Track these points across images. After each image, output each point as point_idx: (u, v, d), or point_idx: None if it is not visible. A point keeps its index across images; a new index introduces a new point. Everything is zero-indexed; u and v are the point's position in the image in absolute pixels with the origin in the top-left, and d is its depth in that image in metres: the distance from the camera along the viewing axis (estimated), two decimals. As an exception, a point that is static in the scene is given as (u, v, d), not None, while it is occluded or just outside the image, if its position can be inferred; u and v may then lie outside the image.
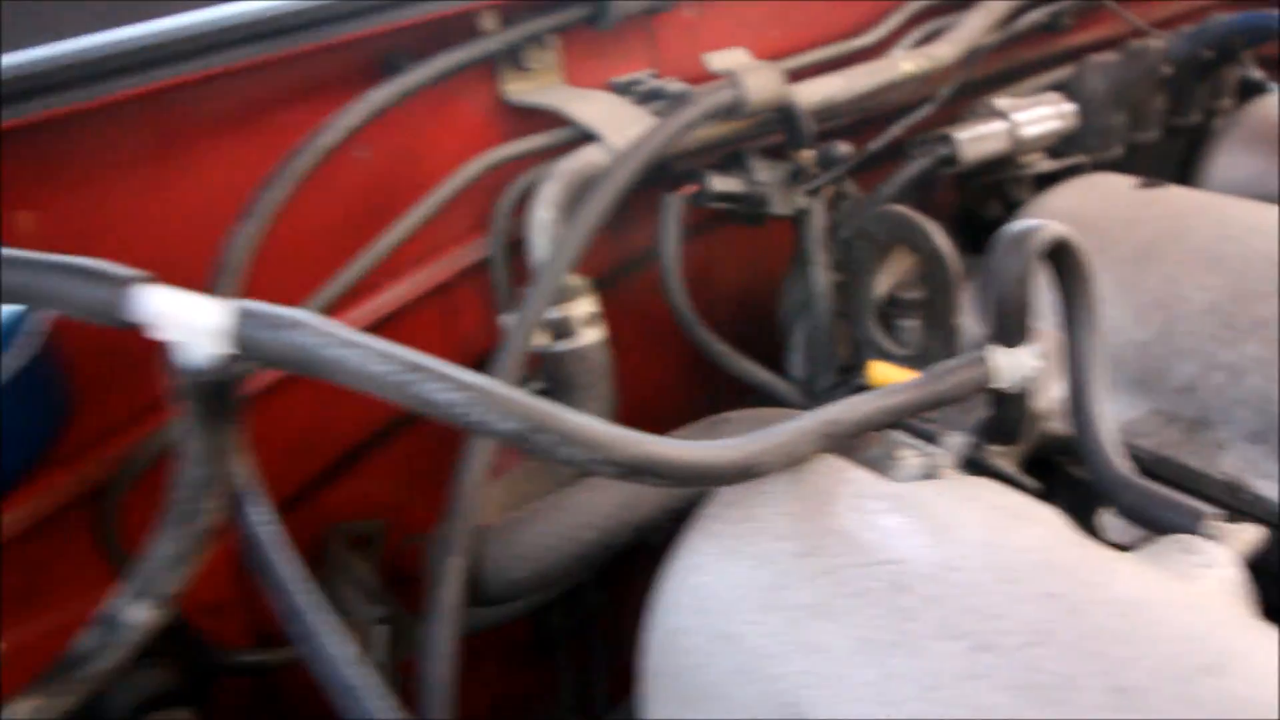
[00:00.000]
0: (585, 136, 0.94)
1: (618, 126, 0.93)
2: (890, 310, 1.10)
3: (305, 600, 0.52)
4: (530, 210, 0.90)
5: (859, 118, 1.19)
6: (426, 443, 1.11)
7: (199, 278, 0.74)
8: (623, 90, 0.99)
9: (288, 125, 0.84)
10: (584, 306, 0.90)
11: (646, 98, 0.99)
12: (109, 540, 0.79)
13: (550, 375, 0.93)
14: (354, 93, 0.86)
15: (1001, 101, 1.10)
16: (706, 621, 0.58)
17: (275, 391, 0.91)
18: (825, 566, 0.55)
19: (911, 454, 0.66)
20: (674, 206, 0.98)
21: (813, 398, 1.12)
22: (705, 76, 1.06)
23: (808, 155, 1.08)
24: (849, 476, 0.60)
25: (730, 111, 0.94)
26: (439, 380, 0.44)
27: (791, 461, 0.58)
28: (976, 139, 1.06)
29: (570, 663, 1.26)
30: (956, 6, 1.26)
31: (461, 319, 1.01)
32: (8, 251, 0.45)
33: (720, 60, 0.96)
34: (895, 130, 1.17)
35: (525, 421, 0.45)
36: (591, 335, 0.91)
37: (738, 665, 0.55)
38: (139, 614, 0.57)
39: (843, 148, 1.06)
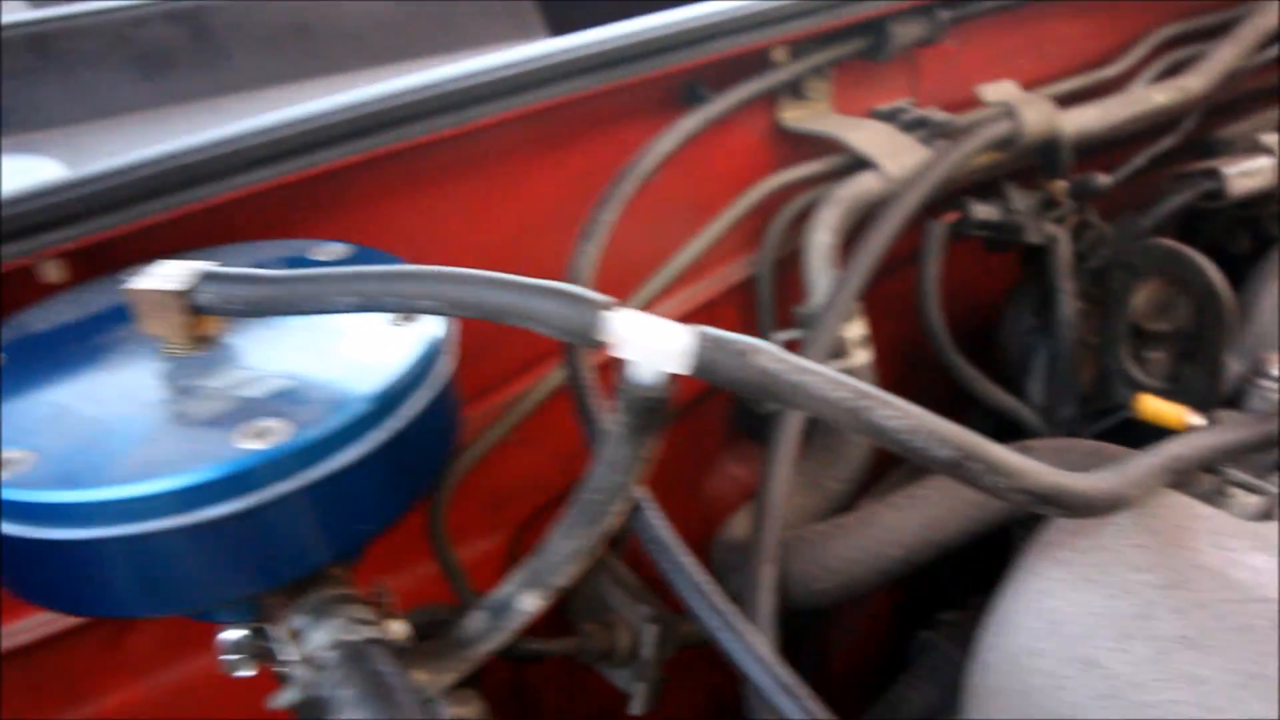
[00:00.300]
0: (858, 163, 0.98)
1: (893, 154, 0.96)
2: (1135, 341, 1.10)
3: (715, 601, 0.56)
4: (808, 234, 0.93)
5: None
6: (669, 451, 1.16)
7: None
8: (887, 118, 1.02)
9: (594, 152, 0.89)
10: (857, 328, 0.93)
11: (911, 126, 1.01)
12: (437, 532, 0.86)
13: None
14: (652, 120, 0.92)
15: (1267, 136, 1.08)
16: (1061, 645, 0.60)
17: (555, 400, 0.96)
18: (1197, 600, 0.56)
19: (1243, 492, 0.67)
20: (937, 233, 1.00)
21: (1052, 427, 1.13)
22: (961, 105, 1.08)
23: (1060, 185, 1.09)
24: (1199, 512, 0.62)
25: (1005, 143, 0.96)
26: (887, 408, 0.47)
27: (1148, 495, 0.60)
28: (1244, 174, 1.05)
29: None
30: (1201, 36, 1.25)
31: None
32: (494, 274, 0.50)
33: (993, 92, 0.98)
34: (1139, 160, 1.17)
35: (959, 450, 0.48)
36: (863, 357, 0.94)
37: (1101, 690, 0.57)
38: (529, 602, 0.62)
39: (1101, 178, 1.07)
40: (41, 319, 0.63)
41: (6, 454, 0.50)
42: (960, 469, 0.48)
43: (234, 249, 0.69)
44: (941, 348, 1.05)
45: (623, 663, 1.03)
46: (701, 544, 1.22)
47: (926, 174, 0.89)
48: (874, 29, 0.95)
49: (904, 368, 1.07)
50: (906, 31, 0.96)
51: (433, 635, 0.66)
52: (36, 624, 0.78)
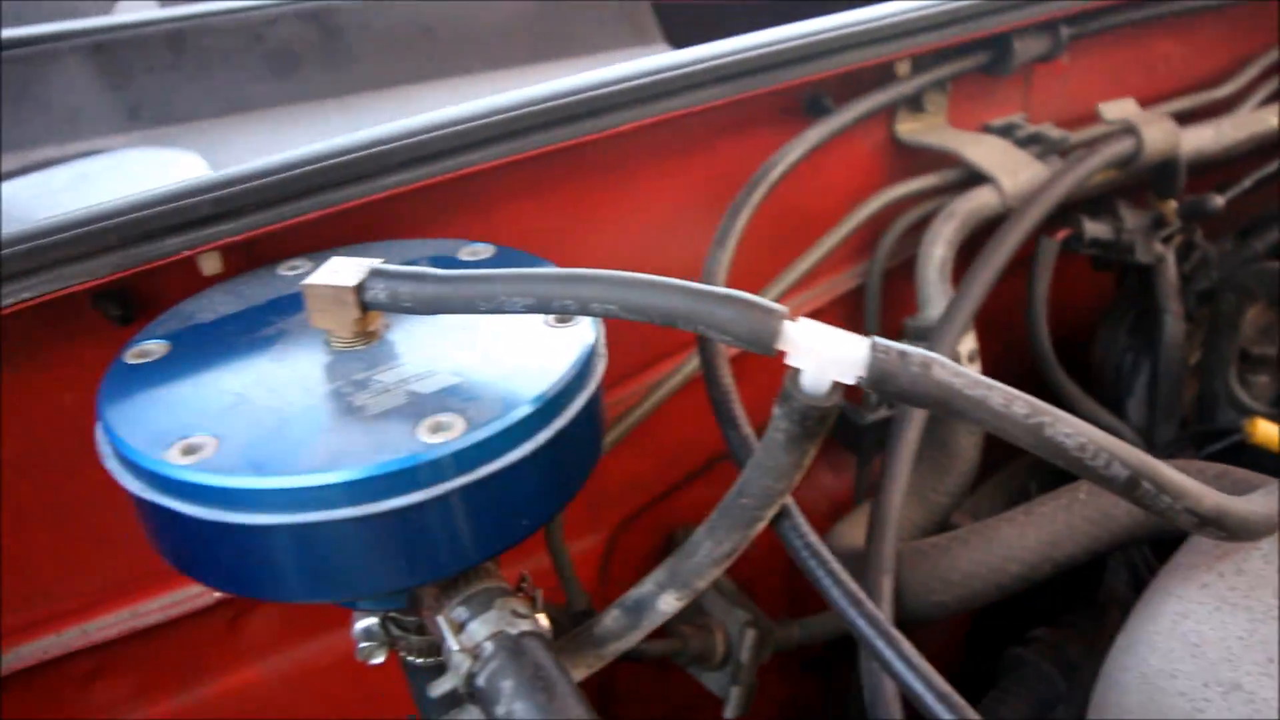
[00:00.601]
0: (974, 178, 0.98)
1: (1010, 170, 0.96)
2: (1240, 365, 1.09)
3: (868, 608, 0.57)
4: (925, 247, 0.94)
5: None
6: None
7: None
8: (1002, 133, 1.02)
9: (717, 160, 0.90)
10: (969, 343, 0.93)
11: (1026, 142, 1.01)
12: (553, 529, 0.87)
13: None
14: (773, 130, 0.93)
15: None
16: (1201, 668, 0.59)
17: (663, 407, 0.97)
18: (1353, 630, 0.56)
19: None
20: (1050, 250, 1.00)
21: (1152, 448, 1.12)
22: (1072, 121, 1.08)
23: (1170, 205, 1.08)
24: (1346, 541, 0.61)
25: (1125, 162, 0.95)
26: (1066, 425, 0.48)
27: (1297, 521, 0.60)
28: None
29: (858, 679, 1.28)
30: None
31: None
32: (674, 280, 0.51)
33: (1113, 110, 0.98)
34: (1247, 182, 1.16)
35: (1134, 470, 0.48)
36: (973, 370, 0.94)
37: (1243, 714, 0.57)
38: (669, 602, 0.63)
39: (1215, 200, 1.06)
40: (201, 309, 0.65)
41: (193, 439, 0.52)
42: (1134, 489, 0.48)
43: (383, 246, 0.71)
44: (1046, 364, 1.04)
45: (717, 666, 1.03)
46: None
47: (1048, 191, 0.89)
48: (997, 44, 0.95)
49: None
50: (1028, 47, 0.96)
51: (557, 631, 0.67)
52: (160, 606, 0.81)
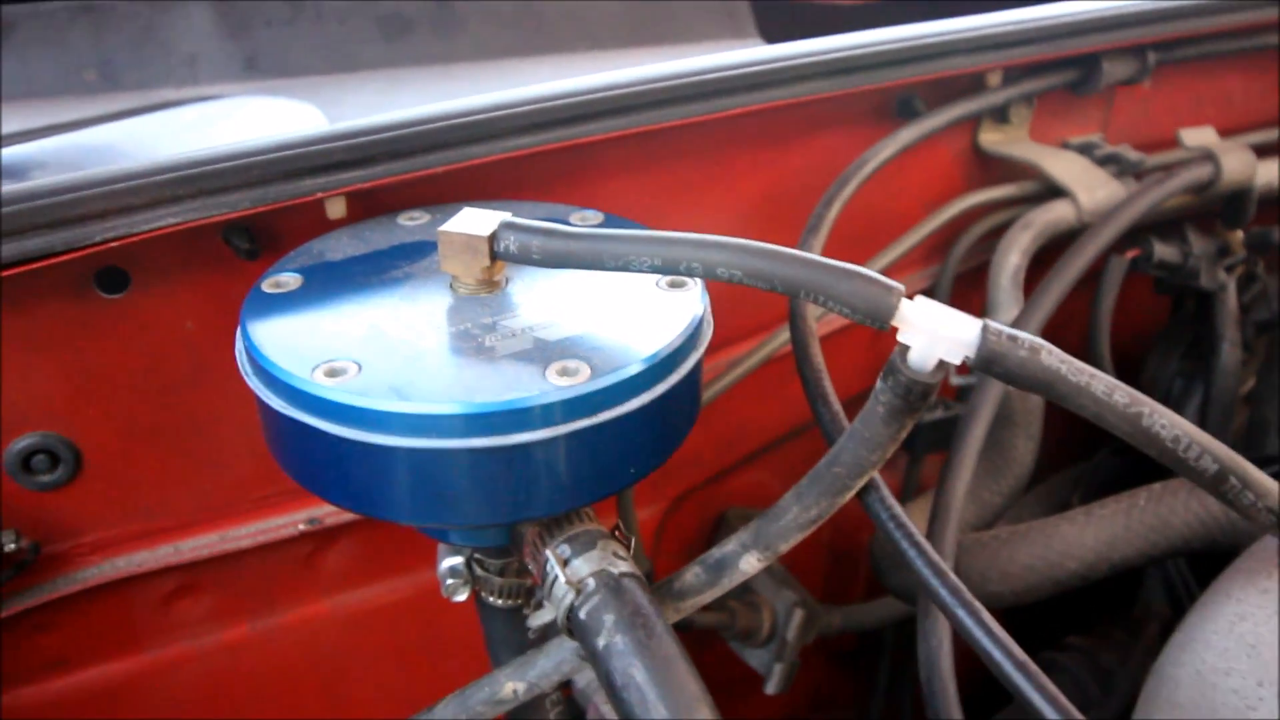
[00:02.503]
0: (1051, 191, 1.00)
1: (1088, 187, 0.98)
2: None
3: (952, 580, 0.60)
4: (1000, 255, 0.97)
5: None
6: (817, 446, 1.19)
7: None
8: (1081, 150, 1.05)
9: (809, 153, 0.94)
10: (1035, 350, 0.96)
11: (1104, 161, 1.04)
12: (625, 494, 0.90)
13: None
14: (863, 128, 0.96)
15: None
16: (1256, 668, 0.62)
17: (726, 392, 1.00)
18: None
19: None
20: (1119, 268, 1.03)
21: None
22: (1149, 145, 1.11)
23: (1237, 234, 1.11)
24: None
25: (1202, 189, 0.98)
26: (1162, 417, 0.51)
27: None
28: None
29: (888, 673, 1.32)
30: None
31: (885, 342, 1.09)
32: (798, 251, 0.54)
33: (1193, 137, 1.00)
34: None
35: (1223, 466, 0.51)
36: (1035, 378, 0.97)
37: (1299, 714, 0.59)
38: (750, 563, 0.66)
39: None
40: (329, 248, 0.69)
41: (335, 363, 0.56)
42: (1221, 483, 0.51)
43: (498, 205, 0.74)
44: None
45: (761, 643, 1.07)
46: (844, 536, 1.26)
47: (1125, 209, 0.92)
48: (1087, 64, 0.98)
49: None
50: (1116, 69, 0.98)
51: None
52: (248, 533, 0.85)
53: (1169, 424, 0.51)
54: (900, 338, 0.54)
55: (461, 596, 0.71)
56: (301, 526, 0.85)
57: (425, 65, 0.99)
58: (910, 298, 0.53)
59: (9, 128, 0.90)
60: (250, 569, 0.87)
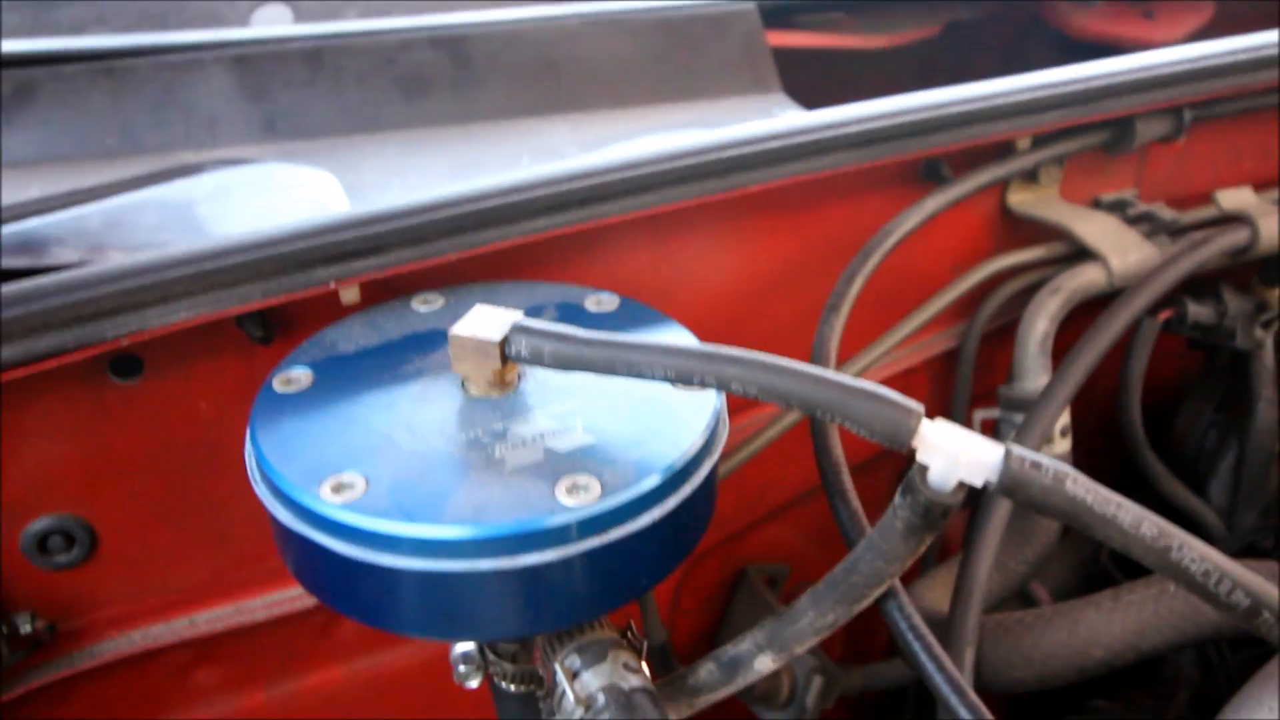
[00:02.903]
0: (1080, 253, 0.98)
1: (1120, 250, 0.96)
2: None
3: (971, 698, 0.58)
4: (1028, 319, 0.95)
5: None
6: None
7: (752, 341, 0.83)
8: (1112, 208, 1.02)
9: (831, 222, 0.92)
10: (1064, 418, 0.94)
11: (1136, 220, 1.01)
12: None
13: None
14: (887, 195, 0.94)
15: None
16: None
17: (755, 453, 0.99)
18: None
19: None
20: (1151, 331, 1.00)
21: (1231, 533, 1.11)
22: (1185, 200, 1.08)
23: (1274, 292, 1.08)
24: None
25: (1239, 252, 0.95)
26: (1192, 551, 0.49)
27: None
28: None
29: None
30: None
31: (916, 392, 1.07)
32: (817, 370, 0.53)
33: (1230, 199, 0.98)
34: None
35: (1255, 599, 0.49)
36: (1064, 445, 0.95)
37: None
38: (765, 663, 0.64)
39: (1325, 289, 1.05)
40: (341, 338, 0.68)
41: (343, 477, 0.55)
42: (1254, 616, 0.49)
43: (512, 287, 0.73)
44: (1136, 443, 1.04)
45: (780, 707, 1.05)
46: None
47: (1158, 277, 0.90)
48: (1120, 125, 0.95)
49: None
50: (1150, 129, 0.96)
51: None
52: (263, 604, 0.85)
53: (1198, 557, 0.49)
54: (920, 458, 0.52)
55: (474, 683, 0.70)
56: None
57: (444, 125, 0.98)
58: (931, 417, 0.52)
59: (30, 193, 0.91)
60: (266, 639, 0.87)
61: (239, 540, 0.82)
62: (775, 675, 1.04)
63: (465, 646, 0.70)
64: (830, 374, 0.52)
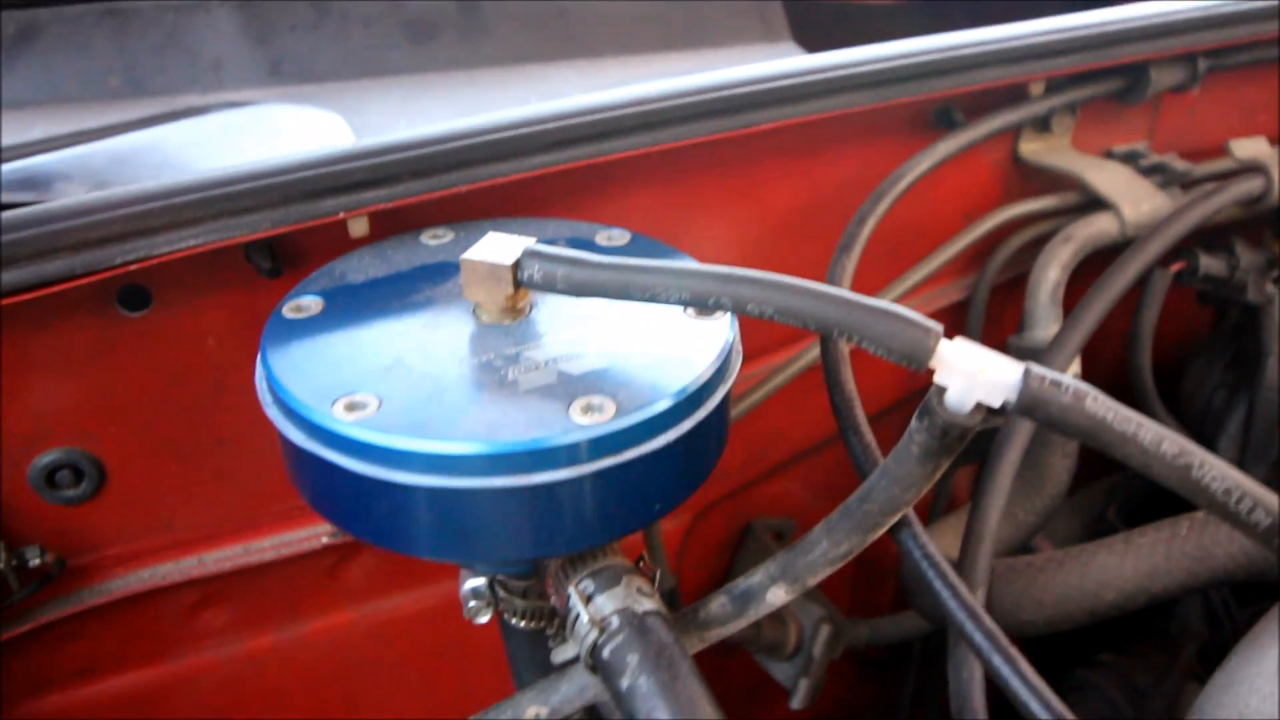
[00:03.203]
0: (1093, 203, 0.97)
1: (1133, 199, 0.95)
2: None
3: (986, 624, 0.58)
4: (1039, 268, 0.94)
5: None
6: (845, 457, 1.17)
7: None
8: (1125, 160, 1.02)
9: (839, 167, 0.92)
10: (1074, 368, 0.94)
11: (1149, 171, 1.01)
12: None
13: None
14: (897, 141, 0.93)
15: None
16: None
17: (760, 405, 0.99)
18: None
19: None
20: (1162, 282, 1.00)
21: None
22: (1197, 153, 1.07)
23: (1287, 246, 1.07)
24: None
25: (1253, 201, 0.94)
26: (1213, 469, 0.48)
27: None
28: None
29: (916, 683, 1.30)
30: None
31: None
32: (834, 289, 0.52)
33: (1244, 148, 0.97)
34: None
35: (1276, 518, 0.49)
36: (1074, 396, 0.94)
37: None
38: (778, 595, 0.64)
39: (1337, 245, 1.05)
40: (351, 269, 0.68)
41: (355, 397, 0.54)
42: (1274, 537, 0.49)
43: (520, 223, 0.73)
44: (1146, 396, 1.04)
45: (787, 658, 1.06)
46: (872, 546, 1.24)
47: (1172, 225, 0.89)
48: (1134, 72, 0.95)
49: None
50: (1164, 77, 0.95)
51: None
52: (271, 545, 0.84)
53: (1219, 475, 0.48)
54: (937, 379, 0.52)
55: (484, 619, 0.70)
56: (325, 539, 0.85)
57: (450, 70, 0.97)
58: (950, 336, 0.51)
59: (33, 134, 0.90)
60: (274, 580, 0.87)
61: (246, 479, 0.81)
62: (782, 625, 1.04)
63: (475, 582, 0.69)
64: (848, 294, 0.52)
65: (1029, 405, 0.50)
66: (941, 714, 1.30)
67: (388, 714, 0.96)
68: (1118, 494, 1.23)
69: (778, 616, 1.04)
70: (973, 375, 0.51)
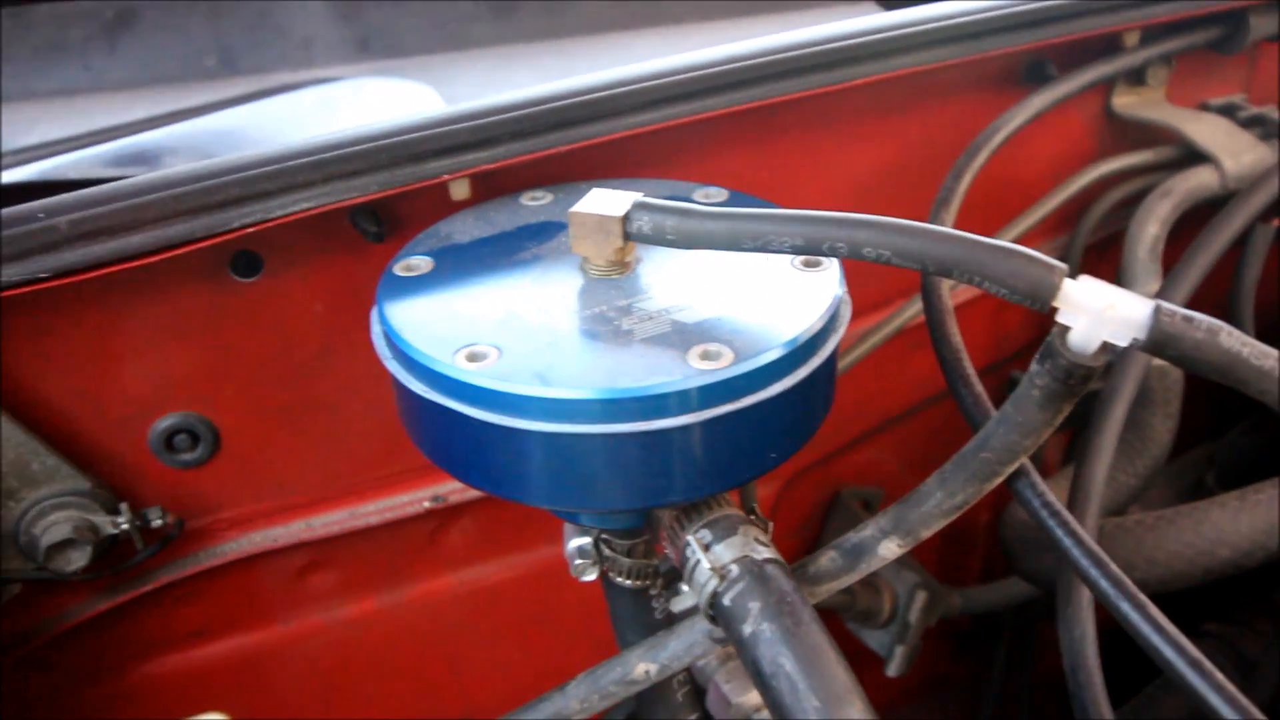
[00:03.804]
0: (1191, 156, 0.95)
1: (1233, 152, 0.93)
2: None
3: (1113, 570, 0.57)
4: (1137, 225, 0.92)
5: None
6: (934, 425, 1.17)
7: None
8: (1223, 112, 0.99)
9: (931, 122, 0.90)
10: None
11: (1247, 123, 0.98)
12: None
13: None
14: (989, 95, 0.92)
15: None
16: None
17: (848, 372, 0.98)
18: None
19: None
20: (1265, 237, 0.97)
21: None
22: (1291, 105, 1.04)
23: (1395, 198, 1.04)
24: None
25: (1361, 151, 0.92)
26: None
27: None
28: None
29: (1006, 654, 1.28)
30: None
31: (1008, 315, 1.05)
32: (952, 230, 0.52)
33: (1350, 96, 0.94)
34: None
35: None
36: (1173, 355, 0.92)
37: None
38: (890, 548, 0.64)
39: None
40: (457, 230, 0.69)
41: (476, 348, 0.55)
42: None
43: (618, 184, 0.73)
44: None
45: (881, 625, 1.05)
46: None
47: (1275, 176, 0.87)
48: (1232, 19, 0.92)
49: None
50: (1261, 25, 0.92)
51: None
52: (376, 510, 0.86)
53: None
54: (1060, 318, 0.51)
55: (590, 576, 0.71)
56: (426, 504, 0.87)
57: (534, 41, 0.98)
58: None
59: (136, 114, 0.92)
60: (377, 545, 0.89)
61: (352, 444, 0.83)
62: (876, 592, 1.04)
63: (581, 540, 0.70)
64: (966, 234, 0.52)
65: (1161, 342, 0.49)
66: (1033, 686, 1.29)
67: (487, 677, 0.98)
68: (1215, 463, 1.20)
69: (871, 583, 1.04)
70: (1100, 312, 0.50)
